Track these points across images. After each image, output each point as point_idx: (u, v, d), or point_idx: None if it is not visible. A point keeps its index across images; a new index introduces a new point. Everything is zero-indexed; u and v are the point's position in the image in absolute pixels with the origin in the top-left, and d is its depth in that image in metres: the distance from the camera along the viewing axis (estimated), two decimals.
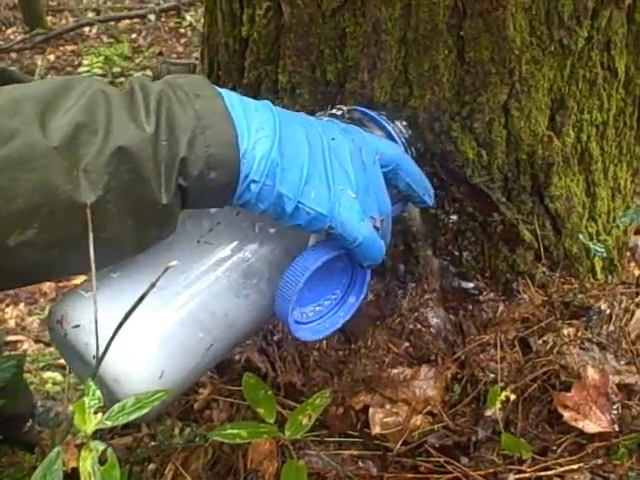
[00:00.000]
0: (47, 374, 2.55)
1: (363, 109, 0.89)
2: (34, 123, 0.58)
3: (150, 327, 0.72)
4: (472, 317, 1.05)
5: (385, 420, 0.97)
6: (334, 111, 0.89)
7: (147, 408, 0.55)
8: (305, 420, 0.91)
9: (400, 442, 0.96)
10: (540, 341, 1.01)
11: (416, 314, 1.02)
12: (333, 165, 0.72)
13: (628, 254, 1.28)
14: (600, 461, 0.90)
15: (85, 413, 0.53)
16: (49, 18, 6.22)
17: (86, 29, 6.07)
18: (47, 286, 3.07)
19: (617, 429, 0.91)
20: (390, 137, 0.88)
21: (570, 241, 1.05)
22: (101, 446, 0.52)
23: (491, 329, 1.03)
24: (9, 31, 6.16)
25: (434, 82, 0.91)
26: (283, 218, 0.70)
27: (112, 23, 6.13)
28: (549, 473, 0.89)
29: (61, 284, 2.94)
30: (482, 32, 0.87)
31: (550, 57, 0.91)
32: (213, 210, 0.79)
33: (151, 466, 1.06)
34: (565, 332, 1.01)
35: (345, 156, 0.74)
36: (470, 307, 1.05)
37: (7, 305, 3.06)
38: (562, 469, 0.90)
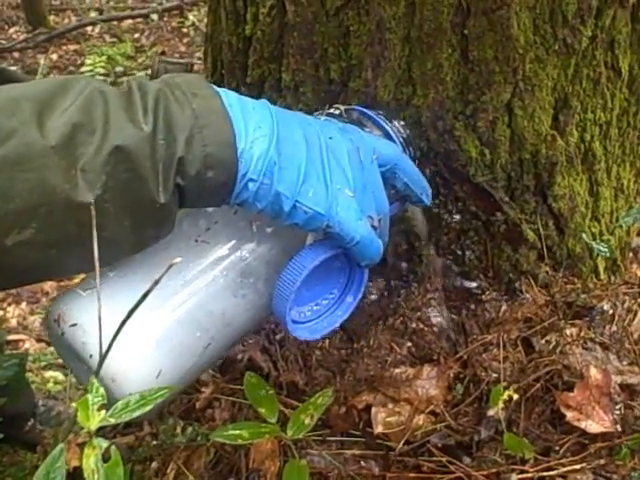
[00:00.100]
0: (49, 373, 2.56)
1: (361, 108, 0.89)
2: (32, 123, 0.58)
3: (147, 326, 0.72)
4: (475, 317, 1.05)
5: (387, 419, 0.97)
6: (332, 110, 0.89)
7: (150, 405, 0.55)
8: (307, 419, 0.91)
9: (402, 442, 0.96)
10: (543, 341, 1.00)
11: (419, 313, 1.02)
12: (331, 164, 0.72)
13: (631, 255, 1.27)
14: (603, 461, 0.90)
15: (89, 410, 0.52)
16: (52, 17, 6.22)
17: (89, 28, 6.07)
18: (49, 285, 3.08)
19: (620, 429, 0.91)
20: (388, 137, 0.88)
21: (573, 241, 1.05)
22: (104, 443, 0.51)
23: (494, 329, 1.03)
24: (12, 30, 6.17)
25: (438, 81, 0.91)
26: (281, 217, 0.70)
27: (115, 23, 6.13)
28: (552, 473, 0.89)
29: (62, 283, 2.94)
30: (486, 31, 0.87)
31: (554, 56, 0.91)
32: (210, 209, 0.79)
33: (153, 465, 1.06)
34: (568, 332, 1.00)
35: (343, 155, 0.74)
36: (473, 307, 1.05)
37: (9, 304, 3.06)
38: (565, 469, 0.89)
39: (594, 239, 1.07)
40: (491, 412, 0.94)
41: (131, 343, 0.69)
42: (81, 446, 1.10)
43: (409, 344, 1.02)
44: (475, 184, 0.97)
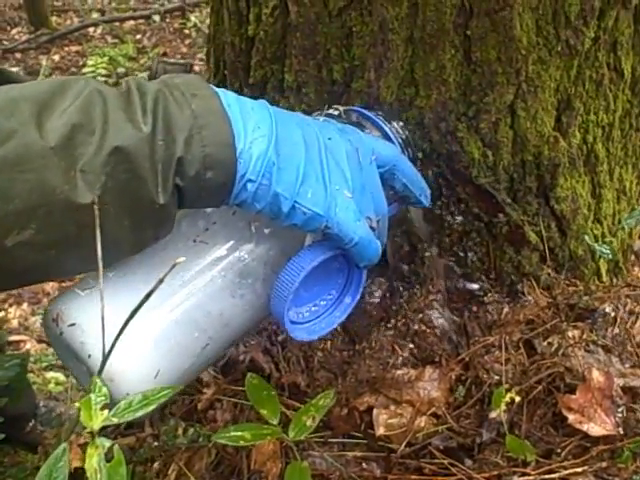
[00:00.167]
0: (50, 374, 2.56)
1: (360, 109, 0.90)
2: (31, 124, 0.58)
3: (146, 326, 0.72)
4: (477, 318, 1.05)
5: (389, 421, 0.97)
6: (331, 111, 0.89)
7: (153, 405, 0.55)
8: (309, 421, 0.90)
9: (404, 443, 0.95)
10: (545, 343, 1.00)
11: (421, 315, 1.02)
12: (329, 165, 0.72)
13: (633, 257, 1.27)
14: (604, 464, 0.90)
15: (91, 410, 0.52)
16: (54, 18, 6.22)
17: (91, 30, 6.07)
18: (50, 286, 3.08)
19: (622, 432, 0.91)
20: (387, 137, 0.88)
21: (575, 243, 1.05)
22: (107, 443, 0.51)
23: (496, 330, 1.03)
24: (14, 31, 6.18)
25: (440, 82, 0.91)
26: (279, 218, 0.70)
27: (117, 24, 6.13)
28: (553, 476, 0.89)
29: (64, 284, 2.94)
30: (489, 32, 0.87)
31: (557, 57, 0.91)
32: (209, 209, 0.79)
33: (154, 466, 1.06)
34: (570, 334, 1.00)
35: (342, 156, 0.74)
36: (475, 308, 1.05)
37: (10, 305, 3.06)
38: (566, 472, 0.89)
39: (596, 241, 1.07)
40: (493, 414, 0.94)
41: (129, 343, 0.69)
42: (83, 447, 1.10)
43: (411, 346, 1.02)
44: (477, 186, 0.97)
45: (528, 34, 0.88)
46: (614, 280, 1.16)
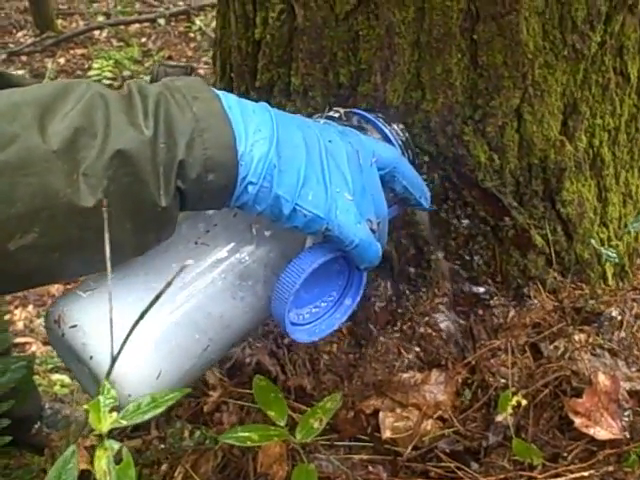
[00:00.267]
0: (55, 376, 2.56)
1: (360, 112, 0.90)
2: (33, 127, 0.58)
3: (147, 328, 0.72)
4: (483, 322, 1.04)
5: (395, 424, 0.97)
6: (332, 113, 0.89)
7: (162, 408, 0.56)
8: (316, 424, 0.91)
9: (410, 447, 0.95)
10: (551, 347, 1.00)
11: (427, 318, 1.02)
12: (330, 167, 0.72)
13: (639, 261, 1.27)
14: (611, 468, 0.89)
15: (100, 412, 0.53)
16: (59, 21, 6.23)
17: (96, 33, 6.08)
18: (55, 288, 3.08)
19: (628, 436, 0.91)
20: (387, 140, 0.88)
21: (581, 246, 1.05)
22: (116, 445, 0.52)
23: (502, 334, 1.03)
24: (20, 34, 6.18)
25: (447, 86, 0.91)
26: (280, 220, 0.70)
27: (122, 27, 6.14)
28: None
29: (69, 286, 2.95)
30: (495, 36, 0.87)
31: (563, 62, 0.91)
32: (210, 212, 0.79)
33: (161, 469, 1.06)
34: (576, 338, 1.00)
35: (342, 158, 0.74)
36: (481, 312, 1.05)
37: (16, 307, 3.07)
38: (573, 476, 0.89)
39: (602, 245, 1.07)
40: (499, 418, 0.94)
41: (131, 345, 0.69)
42: (89, 449, 1.10)
43: (417, 349, 1.02)
44: (484, 189, 0.97)
45: (534, 38, 0.88)
46: (620, 284, 1.15)
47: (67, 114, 0.60)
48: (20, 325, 2.97)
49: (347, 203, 0.72)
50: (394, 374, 1.00)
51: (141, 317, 0.57)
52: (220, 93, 0.69)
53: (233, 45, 1.05)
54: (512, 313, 1.04)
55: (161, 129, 0.63)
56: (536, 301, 1.04)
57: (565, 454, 0.92)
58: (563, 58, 0.90)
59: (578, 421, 0.92)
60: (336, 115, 0.89)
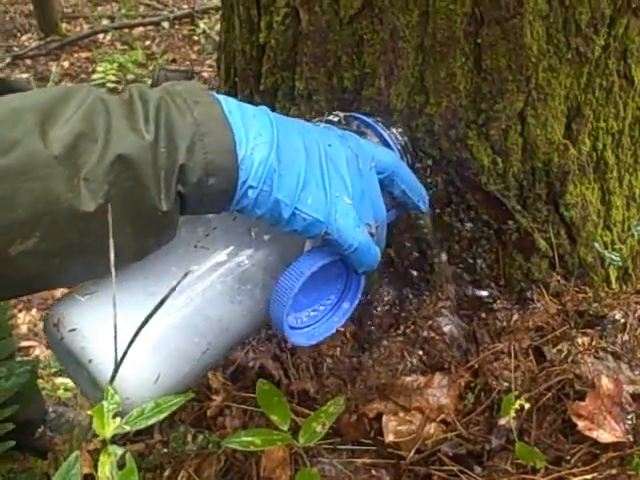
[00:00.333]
0: (59, 380, 2.56)
1: (360, 115, 0.90)
2: (34, 133, 0.58)
3: (145, 331, 0.72)
4: (486, 325, 1.05)
5: (398, 428, 0.97)
6: (331, 117, 0.89)
7: (165, 413, 0.56)
8: (319, 428, 0.91)
9: (413, 450, 0.95)
10: (554, 350, 1.00)
11: (430, 322, 1.02)
12: (330, 171, 0.72)
13: None
14: (614, 471, 0.89)
15: (104, 417, 0.53)
16: (64, 25, 6.24)
17: (100, 36, 6.09)
18: (59, 292, 3.07)
19: (631, 439, 0.91)
20: (386, 144, 0.88)
21: (585, 250, 1.05)
22: (119, 451, 0.52)
23: (505, 337, 1.02)
24: (24, 37, 6.19)
25: (451, 89, 0.91)
26: (280, 224, 0.70)
27: (126, 30, 6.15)
28: None
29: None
30: (499, 40, 0.87)
31: (567, 65, 0.91)
32: (209, 215, 0.79)
33: (165, 473, 1.06)
34: (579, 341, 1.00)
35: (342, 163, 0.74)
36: (484, 315, 1.05)
37: (20, 310, 3.07)
38: (576, 479, 0.89)
39: (606, 248, 1.07)
40: (502, 421, 0.94)
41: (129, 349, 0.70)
42: (92, 453, 1.10)
43: (420, 352, 1.02)
44: (487, 192, 0.97)
45: (538, 42, 0.88)
46: (623, 287, 1.15)
47: (68, 119, 0.60)
48: (24, 329, 2.97)
49: (346, 207, 0.73)
50: (397, 378, 1.00)
51: (145, 323, 0.57)
52: (220, 97, 0.69)
53: (237, 49, 1.05)
54: (515, 316, 1.04)
55: (162, 134, 0.63)
56: (539, 304, 1.04)
57: (568, 457, 0.92)
58: (567, 61, 0.91)
59: (581, 424, 0.92)
60: (335, 119, 0.89)
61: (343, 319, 0.83)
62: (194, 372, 0.78)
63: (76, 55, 5.82)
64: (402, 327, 1.04)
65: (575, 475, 0.89)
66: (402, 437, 0.96)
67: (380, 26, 0.90)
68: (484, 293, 1.05)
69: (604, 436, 0.91)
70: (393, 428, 0.97)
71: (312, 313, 0.82)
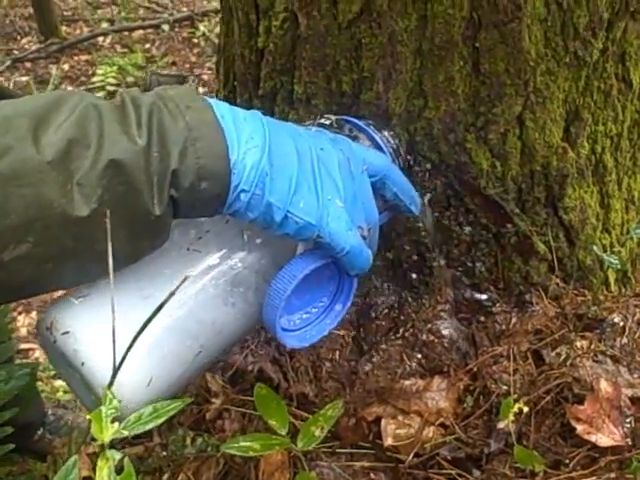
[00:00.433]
0: (58, 382, 2.56)
1: (351, 119, 0.90)
2: (27, 139, 0.58)
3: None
4: (485, 328, 1.05)
5: (397, 432, 0.97)
6: (323, 121, 0.90)
7: (164, 417, 0.56)
8: (317, 431, 0.91)
9: (412, 454, 0.95)
10: (553, 353, 1.00)
11: (429, 325, 1.02)
12: (322, 175, 0.73)
13: None
14: (613, 475, 0.89)
15: (102, 422, 0.53)
16: (64, 28, 6.24)
17: (100, 39, 6.09)
18: (59, 294, 3.08)
19: (630, 443, 0.91)
20: (378, 147, 0.88)
21: (584, 253, 1.05)
22: (118, 455, 0.52)
23: (504, 341, 1.03)
24: (24, 40, 6.20)
25: (449, 93, 0.91)
26: (272, 227, 0.71)
27: (126, 33, 6.15)
28: None
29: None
30: (497, 44, 0.87)
31: (565, 69, 0.91)
32: (202, 218, 0.80)
33: (164, 477, 1.06)
34: (578, 344, 1.00)
35: (334, 166, 0.74)
36: (483, 318, 1.05)
37: (19, 313, 3.07)
38: None
39: (605, 251, 1.07)
40: (501, 425, 0.94)
41: (122, 351, 0.70)
42: (91, 456, 1.10)
43: (419, 356, 1.02)
44: (486, 196, 0.97)
45: (537, 46, 0.88)
46: (623, 290, 1.15)
47: (61, 125, 0.60)
48: (23, 331, 2.97)
49: (338, 210, 0.73)
50: (396, 381, 1.00)
51: (143, 328, 0.57)
52: (212, 102, 0.69)
53: (236, 53, 1.05)
54: (514, 320, 1.04)
55: (154, 139, 0.63)
56: (538, 308, 1.04)
57: (567, 461, 0.92)
58: (565, 65, 0.91)
59: (580, 428, 0.92)
60: (327, 122, 0.89)
61: (336, 321, 0.83)
62: (187, 375, 0.78)
63: (76, 58, 5.82)
64: (401, 330, 1.04)
65: (574, 479, 0.90)
66: (401, 441, 0.97)
67: (378, 30, 0.90)
68: (483, 296, 1.05)
69: (603, 440, 0.91)
70: (392, 432, 0.97)
71: (305, 315, 0.82)
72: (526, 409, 0.92)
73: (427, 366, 1.02)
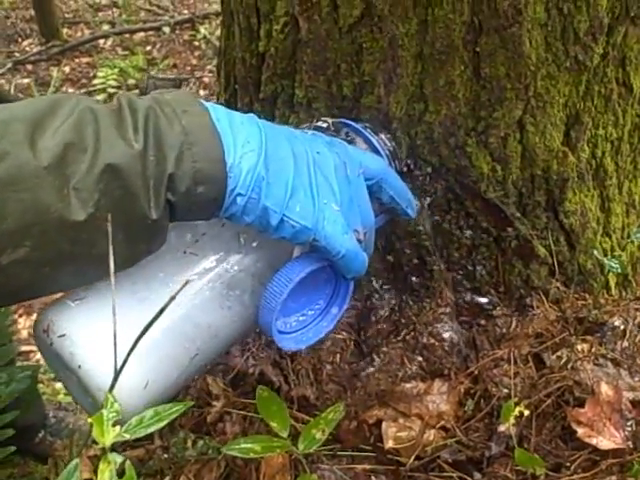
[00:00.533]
0: (59, 385, 2.56)
1: (348, 122, 0.90)
2: (24, 144, 0.58)
3: (134, 338, 0.72)
4: (486, 332, 1.05)
5: (398, 434, 0.97)
6: (320, 124, 0.90)
7: (165, 421, 0.56)
8: (318, 434, 0.91)
9: (413, 457, 0.95)
10: (554, 357, 1.00)
11: (430, 328, 1.02)
12: (318, 179, 0.73)
13: None
14: (614, 478, 0.89)
15: (103, 425, 0.53)
16: (65, 30, 6.23)
17: (101, 41, 6.09)
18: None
19: (631, 446, 0.91)
20: (374, 149, 0.89)
21: (584, 257, 1.05)
22: (119, 458, 0.52)
23: (505, 344, 1.03)
24: (25, 43, 6.19)
25: (450, 97, 0.91)
26: (268, 231, 0.71)
27: (127, 36, 6.14)
28: None
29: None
30: (498, 48, 0.88)
31: (565, 73, 0.91)
32: (198, 221, 0.80)
33: (164, 479, 1.06)
34: (579, 348, 1.00)
35: (330, 170, 0.75)
36: (484, 322, 1.05)
37: (20, 315, 3.07)
38: None
39: (605, 255, 1.07)
40: (502, 428, 0.94)
41: (119, 355, 0.70)
42: (92, 459, 1.10)
43: (420, 359, 1.02)
44: (486, 200, 0.97)
45: (537, 50, 0.88)
46: (623, 293, 1.16)
47: (57, 129, 0.61)
48: (24, 334, 2.97)
49: (334, 214, 0.73)
50: (397, 384, 1.00)
51: (143, 333, 0.57)
52: (209, 106, 0.70)
53: (237, 57, 1.06)
54: (515, 323, 1.04)
55: (151, 143, 0.63)
56: (539, 311, 1.04)
57: (568, 464, 0.92)
58: (565, 69, 0.91)
59: (581, 431, 0.92)
60: (324, 125, 0.89)
61: (332, 324, 0.83)
62: (183, 377, 0.78)
63: (77, 60, 5.82)
64: (402, 333, 1.04)
65: None
66: (402, 443, 0.97)
67: (379, 34, 0.90)
68: (484, 300, 1.05)
69: (604, 443, 0.91)
70: (393, 434, 0.97)
71: (301, 318, 0.82)
72: (527, 412, 0.93)
73: (428, 369, 1.02)
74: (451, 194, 0.98)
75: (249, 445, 0.86)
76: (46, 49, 5.90)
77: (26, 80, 5.44)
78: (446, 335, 1.02)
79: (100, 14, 6.66)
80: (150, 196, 0.63)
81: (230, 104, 1.11)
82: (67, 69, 5.68)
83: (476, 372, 1.01)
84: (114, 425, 0.54)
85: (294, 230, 0.71)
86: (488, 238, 1.01)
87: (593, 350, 1.00)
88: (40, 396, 2.06)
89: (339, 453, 1.00)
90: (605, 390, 0.94)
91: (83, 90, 5.16)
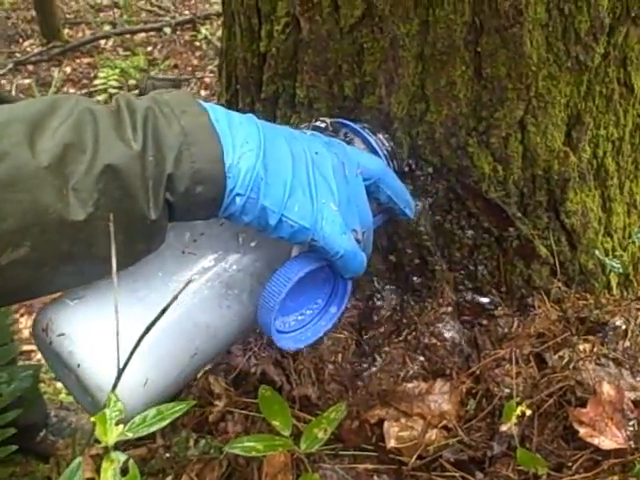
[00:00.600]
0: (60, 384, 2.56)
1: (346, 122, 0.90)
2: (23, 144, 0.59)
3: (134, 336, 0.72)
4: (487, 332, 1.05)
5: (400, 434, 0.97)
6: (318, 123, 0.90)
7: (168, 420, 0.56)
8: (320, 434, 0.91)
9: (415, 456, 0.95)
10: (556, 356, 1.00)
11: (431, 328, 1.02)
12: (316, 179, 0.73)
13: None
14: (616, 478, 0.89)
15: (106, 424, 0.53)
16: (66, 31, 6.23)
17: (102, 42, 6.09)
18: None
19: (633, 446, 0.91)
20: (372, 149, 0.89)
21: (586, 257, 1.05)
22: (122, 457, 0.52)
23: (506, 344, 1.03)
24: (26, 43, 6.19)
25: (451, 98, 0.92)
26: (267, 230, 0.71)
27: (128, 36, 6.14)
28: None
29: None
30: (499, 48, 0.88)
31: (567, 73, 0.91)
32: (197, 221, 0.80)
33: (166, 478, 1.06)
34: (581, 348, 1.00)
35: (328, 170, 0.75)
36: (485, 322, 1.05)
37: (21, 315, 3.07)
38: None
39: (607, 255, 1.07)
40: (504, 427, 0.94)
41: (118, 354, 0.70)
42: (95, 458, 1.10)
43: (422, 359, 1.02)
44: (488, 200, 0.98)
45: (538, 50, 0.88)
46: (625, 293, 1.16)
47: (56, 130, 0.61)
48: (26, 333, 2.96)
49: (333, 214, 0.73)
50: (399, 384, 1.00)
51: (145, 332, 0.57)
52: (207, 106, 0.70)
53: (239, 57, 1.06)
54: (516, 323, 1.04)
55: (149, 143, 0.64)
56: (540, 311, 1.04)
57: (570, 464, 0.92)
58: (567, 70, 0.91)
59: (583, 431, 0.92)
60: (322, 125, 0.90)
61: (330, 323, 0.83)
62: (182, 376, 0.78)
63: (78, 61, 5.82)
64: (404, 333, 1.04)
65: None
66: (404, 443, 0.97)
67: (380, 35, 0.90)
68: (485, 300, 1.05)
69: (605, 443, 0.91)
70: (395, 434, 0.97)
71: (300, 317, 0.83)
72: (529, 412, 0.93)
73: (430, 369, 1.02)
74: (452, 194, 0.98)
75: (251, 444, 0.87)
76: (47, 49, 5.90)
77: (27, 81, 5.44)
78: (448, 335, 1.02)
79: (101, 15, 6.66)
80: (149, 196, 0.63)
81: (232, 104, 1.12)
82: (68, 70, 5.68)
83: (478, 372, 1.01)
84: (117, 424, 0.54)
85: (292, 230, 0.71)
86: (489, 238, 1.01)
87: (595, 350, 1.00)
88: (42, 395, 2.06)
89: (341, 453, 1.00)
90: (607, 390, 0.94)
91: (84, 91, 5.16)
